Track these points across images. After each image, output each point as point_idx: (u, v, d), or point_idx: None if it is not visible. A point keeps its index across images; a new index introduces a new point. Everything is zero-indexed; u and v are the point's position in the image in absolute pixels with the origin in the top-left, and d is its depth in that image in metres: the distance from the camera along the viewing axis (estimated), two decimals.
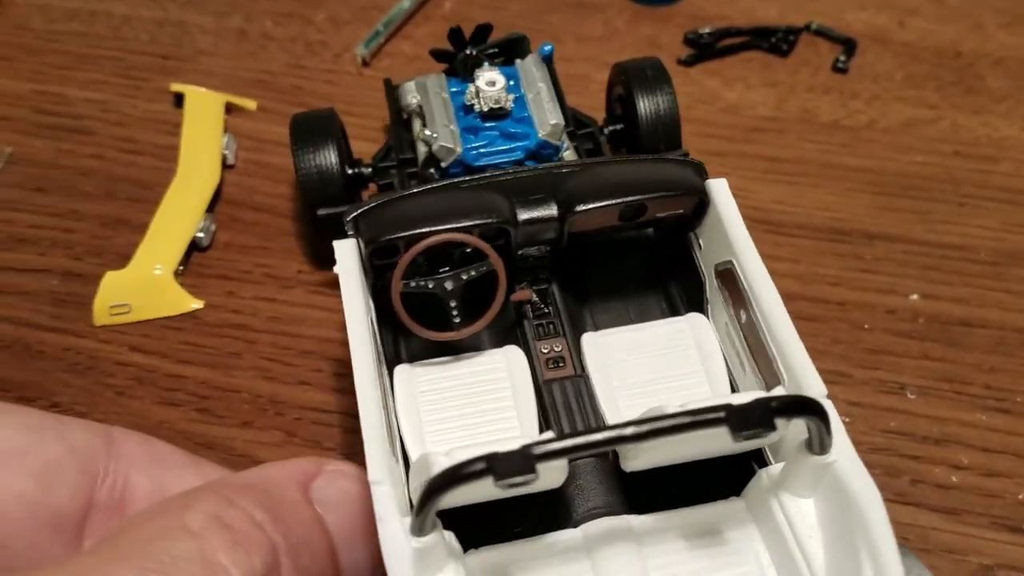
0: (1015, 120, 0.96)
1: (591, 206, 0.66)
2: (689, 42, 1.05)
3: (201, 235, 0.85)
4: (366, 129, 0.95)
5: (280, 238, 0.87)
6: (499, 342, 0.68)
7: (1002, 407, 0.74)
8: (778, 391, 0.58)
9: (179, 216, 0.85)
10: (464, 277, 0.65)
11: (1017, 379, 0.76)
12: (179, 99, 0.98)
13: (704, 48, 1.04)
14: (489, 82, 0.77)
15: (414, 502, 0.50)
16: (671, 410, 0.50)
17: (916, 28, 1.07)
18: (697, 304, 0.71)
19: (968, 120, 0.96)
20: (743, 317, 0.65)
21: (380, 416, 0.54)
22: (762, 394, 0.53)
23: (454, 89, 0.80)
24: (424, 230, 0.63)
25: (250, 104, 0.98)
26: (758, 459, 0.61)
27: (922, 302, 0.81)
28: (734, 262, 0.65)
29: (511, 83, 0.78)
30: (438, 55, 0.86)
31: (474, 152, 0.75)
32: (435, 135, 0.75)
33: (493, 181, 0.68)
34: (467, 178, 0.68)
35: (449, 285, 0.65)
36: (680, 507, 0.59)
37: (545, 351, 0.68)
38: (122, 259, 0.84)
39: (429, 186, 0.68)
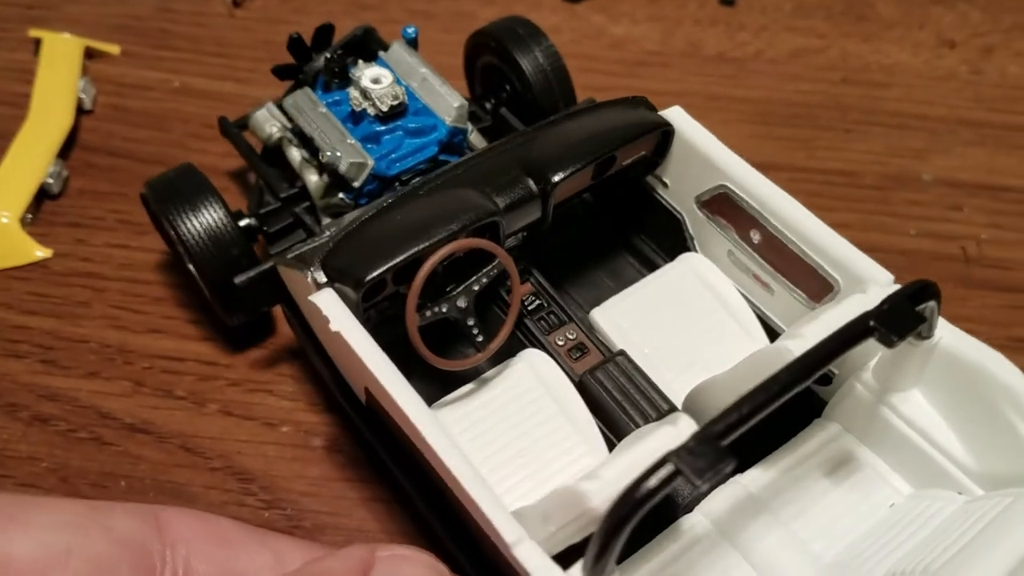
0: (906, 46, 0.94)
1: (570, 171, 0.60)
2: None
3: (51, 181, 0.80)
4: (235, 79, 0.91)
5: (136, 183, 0.82)
6: (502, 353, 0.60)
7: None
8: (876, 292, 0.54)
9: (27, 163, 0.80)
10: (476, 288, 0.58)
11: None
12: (40, 46, 0.93)
13: None
14: (374, 79, 0.68)
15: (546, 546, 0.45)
16: (795, 349, 0.48)
17: None
18: (676, 245, 0.67)
19: (858, 47, 0.94)
20: (756, 237, 0.61)
21: (476, 472, 0.47)
22: (866, 300, 0.52)
23: (327, 101, 0.70)
24: (417, 249, 0.54)
25: (113, 49, 0.94)
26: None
27: None
28: (728, 184, 0.61)
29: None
30: (282, 72, 0.75)
31: (386, 161, 0.67)
32: (338, 154, 0.65)
33: (451, 177, 0.60)
34: (419, 180, 0.61)
35: (462, 303, 0.58)
36: (771, 450, 0.56)
37: (561, 343, 0.63)
38: None
39: (384, 202, 0.59)
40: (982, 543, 0.47)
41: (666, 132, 0.63)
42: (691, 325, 0.63)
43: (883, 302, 0.48)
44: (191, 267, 0.69)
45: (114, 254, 0.77)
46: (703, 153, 0.62)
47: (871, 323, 0.46)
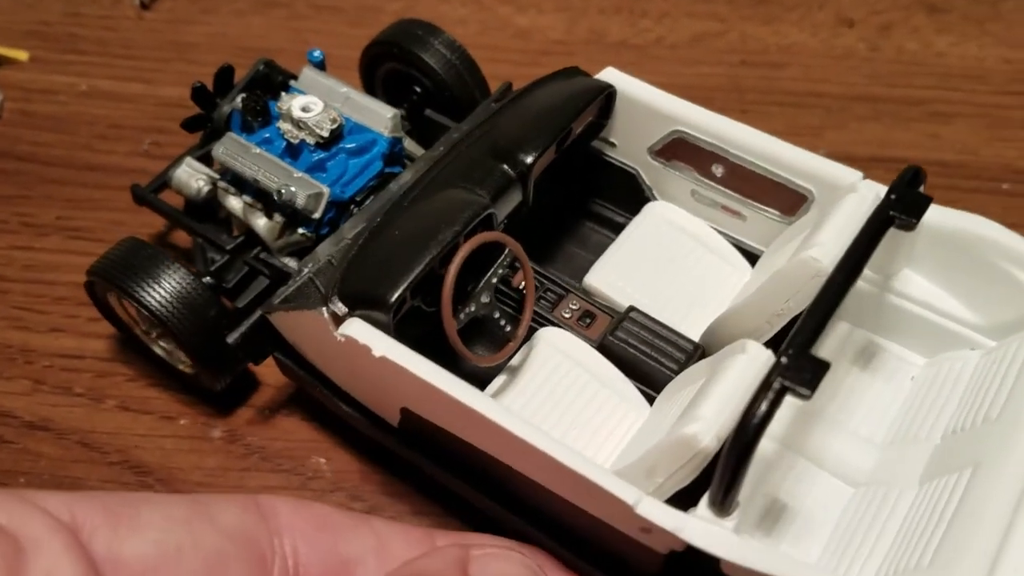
0: (805, 27, 0.96)
1: (542, 148, 0.61)
2: None
3: None
4: (142, 80, 0.92)
5: (41, 186, 0.83)
6: (503, 340, 0.61)
7: None
8: (866, 189, 0.58)
9: None
10: (495, 281, 0.59)
11: None
12: None
13: None
14: (304, 108, 0.66)
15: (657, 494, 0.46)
16: (820, 257, 0.52)
17: None
18: (635, 200, 0.69)
19: (757, 30, 0.96)
20: (719, 171, 0.65)
21: (571, 448, 0.48)
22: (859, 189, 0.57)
23: (256, 141, 0.68)
24: (432, 256, 0.55)
25: (21, 55, 0.94)
26: None
27: None
28: (681, 128, 0.64)
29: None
30: (191, 124, 0.73)
31: (338, 185, 0.66)
32: (293, 189, 0.64)
33: (427, 183, 0.61)
34: (391, 188, 0.62)
35: (486, 298, 0.59)
36: None
37: (567, 315, 0.65)
38: None
39: (368, 223, 0.59)
40: None
41: (609, 94, 0.66)
42: (677, 269, 0.66)
43: (889, 192, 0.53)
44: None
45: (17, 256, 0.78)
46: (649, 105, 0.66)
47: (890, 213, 0.52)
